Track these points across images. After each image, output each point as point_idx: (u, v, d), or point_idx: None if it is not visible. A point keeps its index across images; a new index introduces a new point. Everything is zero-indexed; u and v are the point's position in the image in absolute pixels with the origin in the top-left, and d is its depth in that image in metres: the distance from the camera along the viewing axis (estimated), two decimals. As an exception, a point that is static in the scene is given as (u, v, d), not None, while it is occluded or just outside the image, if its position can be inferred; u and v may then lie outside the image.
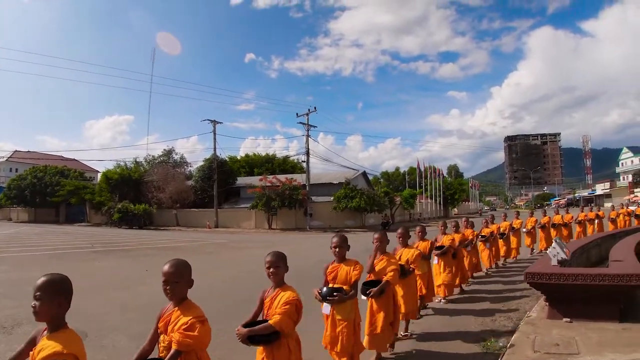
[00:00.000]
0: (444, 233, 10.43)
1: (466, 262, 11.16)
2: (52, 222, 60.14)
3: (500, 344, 6.38)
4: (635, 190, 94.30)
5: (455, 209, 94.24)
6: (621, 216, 23.13)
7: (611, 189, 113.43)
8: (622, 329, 6.05)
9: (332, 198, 46.22)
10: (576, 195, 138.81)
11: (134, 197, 51.84)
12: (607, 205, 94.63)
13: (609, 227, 21.90)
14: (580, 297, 6.59)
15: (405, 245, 7.24)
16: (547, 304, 7.06)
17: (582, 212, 20.86)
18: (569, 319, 6.54)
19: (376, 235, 6.06)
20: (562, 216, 19.31)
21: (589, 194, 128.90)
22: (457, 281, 10.24)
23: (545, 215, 19.22)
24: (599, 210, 22.38)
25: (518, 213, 19.41)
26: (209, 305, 9.81)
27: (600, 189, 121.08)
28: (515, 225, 16.98)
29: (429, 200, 76.98)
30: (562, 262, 7.31)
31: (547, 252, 7.56)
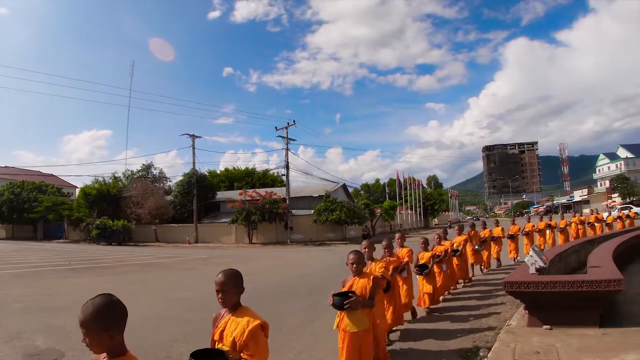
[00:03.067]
0: (426, 250, 10.37)
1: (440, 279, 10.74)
2: (30, 239, 59.11)
3: (481, 354, 6.48)
4: (613, 195, 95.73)
5: (436, 219, 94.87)
6: (573, 225, 22.40)
7: (589, 195, 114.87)
8: (602, 334, 6.14)
9: (312, 211, 46.36)
10: (555, 202, 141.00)
11: (112, 212, 51.16)
12: (586, 211, 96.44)
13: (558, 239, 20.93)
14: (559, 304, 6.67)
15: (371, 258, 6.90)
16: (527, 312, 7.11)
17: (529, 222, 20.07)
18: (549, 326, 6.59)
19: (351, 256, 5.45)
20: (501, 228, 17.85)
21: (567, 200, 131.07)
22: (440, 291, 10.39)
23: (514, 224, 19.20)
24: (550, 220, 21.51)
25: (497, 222, 18.90)
26: (191, 320, 9.86)
27: (579, 195, 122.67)
28: (495, 234, 17.11)
29: (409, 211, 77.55)
30: (540, 270, 7.36)
31: (525, 260, 7.63)
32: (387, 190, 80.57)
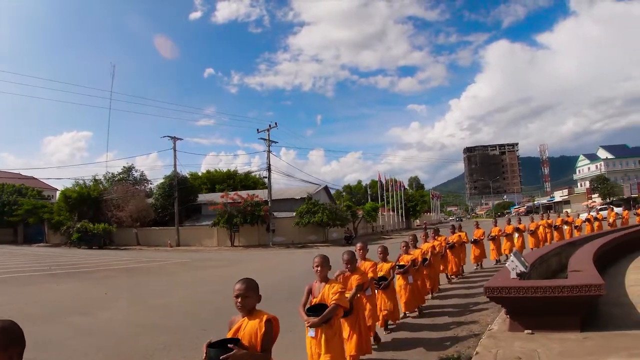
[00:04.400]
0: (407, 252, 10.21)
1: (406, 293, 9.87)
2: (9, 243, 58.21)
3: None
4: (593, 196, 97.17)
5: (417, 221, 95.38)
6: (541, 228, 22.06)
7: (569, 195, 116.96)
8: (583, 339, 6.17)
9: (294, 213, 46.42)
10: (535, 202, 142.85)
11: (93, 216, 50.66)
12: (567, 210, 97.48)
13: (528, 241, 20.76)
14: (540, 309, 6.66)
15: (354, 270, 6.86)
16: (508, 316, 7.10)
17: (496, 226, 19.06)
18: (530, 331, 6.58)
19: (316, 260, 5.53)
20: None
21: (548, 200, 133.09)
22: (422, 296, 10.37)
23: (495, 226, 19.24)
24: (519, 223, 20.73)
25: (477, 224, 19.04)
26: (172, 328, 9.94)
27: (559, 195, 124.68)
28: (475, 237, 17.31)
29: (391, 213, 77.98)
30: (521, 275, 7.34)
31: (506, 265, 7.62)
32: (369, 192, 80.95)
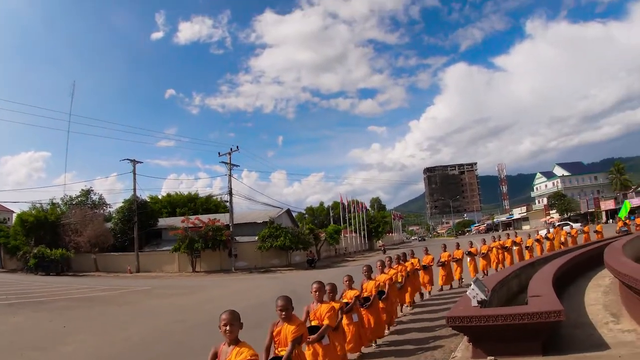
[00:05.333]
0: (369, 278, 9.93)
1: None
2: (-39, 269, 56.43)
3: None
4: (551, 212, 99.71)
5: (380, 241, 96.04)
6: (494, 250, 21.41)
7: (528, 212, 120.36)
8: None
9: (256, 237, 46.23)
10: (495, 220, 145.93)
11: (50, 240, 49.32)
12: (525, 227, 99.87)
13: (480, 265, 20.20)
14: (502, 335, 6.71)
15: (321, 300, 6.85)
16: (471, 343, 7.15)
17: (445, 251, 18.17)
18: (493, 357, 6.61)
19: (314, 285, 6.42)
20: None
21: (507, 218, 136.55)
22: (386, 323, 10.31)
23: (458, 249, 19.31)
24: (471, 246, 20.00)
25: (445, 246, 18.55)
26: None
27: (518, 213, 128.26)
28: (424, 263, 16.54)
29: (354, 234, 78.50)
30: (482, 303, 7.39)
31: (467, 293, 7.62)
32: (331, 214, 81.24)
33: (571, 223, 60.41)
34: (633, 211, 77.05)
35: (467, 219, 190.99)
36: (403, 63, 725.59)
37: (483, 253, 20.69)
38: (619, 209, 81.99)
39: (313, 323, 6.70)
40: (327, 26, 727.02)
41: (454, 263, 18.73)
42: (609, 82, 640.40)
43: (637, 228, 33.69)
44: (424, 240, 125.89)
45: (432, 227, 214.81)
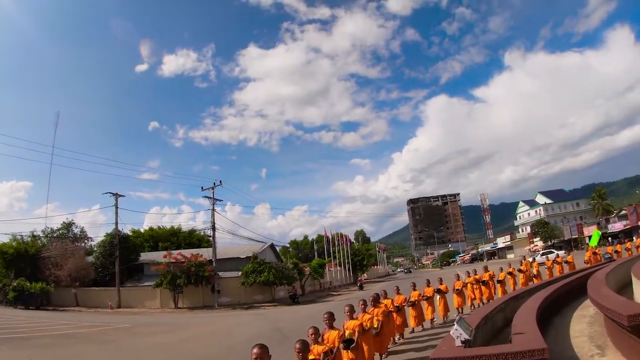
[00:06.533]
0: (351, 317, 9.68)
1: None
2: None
3: None
4: (535, 240, 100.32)
5: (365, 274, 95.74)
6: (469, 286, 20.76)
7: (512, 241, 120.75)
8: None
9: (240, 273, 45.98)
10: (479, 249, 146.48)
11: (30, 273, 48.26)
12: (510, 256, 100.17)
13: (454, 302, 19.40)
14: None
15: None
16: None
17: (415, 290, 17.01)
18: None
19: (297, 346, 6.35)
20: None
21: (491, 247, 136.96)
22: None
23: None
24: (441, 284, 18.34)
25: (414, 284, 17.31)
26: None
27: (502, 242, 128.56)
28: (396, 303, 15.25)
29: (339, 268, 78.20)
30: (465, 342, 7.25)
31: (450, 333, 7.42)
32: (315, 247, 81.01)
33: (555, 250, 60.92)
34: (616, 236, 78.65)
35: (452, 249, 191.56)
36: (385, 96, 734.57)
37: (457, 289, 19.70)
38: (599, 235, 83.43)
39: None
40: (310, 60, 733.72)
41: (425, 302, 17.35)
42: (587, 110, 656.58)
43: (630, 253, 33.94)
44: (410, 272, 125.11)
45: (417, 258, 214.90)
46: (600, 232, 38.74)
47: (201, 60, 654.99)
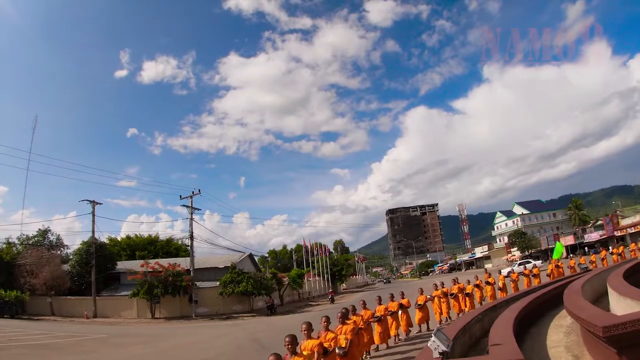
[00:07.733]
0: (327, 329, 9.45)
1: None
2: None
3: None
4: (512, 250, 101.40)
5: (344, 284, 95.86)
6: (436, 299, 20.05)
7: (490, 251, 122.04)
8: None
9: (218, 283, 45.88)
10: (457, 259, 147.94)
11: (5, 281, 47.45)
12: (488, 266, 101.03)
13: (415, 317, 18.46)
14: None
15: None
16: None
17: (381, 304, 16.43)
18: None
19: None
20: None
21: (469, 257, 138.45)
22: None
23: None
24: (402, 297, 17.78)
25: (403, 294, 17.82)
26: None
27: (480, 252, 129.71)
28: (405, 303, 16.33)
29: (317, 278, 78.14)
30: (443, 354, 7.16)
31: (428, 345, 7.30)
32: (294, 257, 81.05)
33: (532, 260, 61.68)
34: (592, 246, 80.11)
35: (430, 259, 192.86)
36: (365, 107, 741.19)
37: (419, 304, 18.77)
38: (572, 245, 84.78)
39: None
40: (291, 70, 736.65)
41: (389, 317, 16.43)
42: (564, 122, 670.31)
43: (604, 262, 34.46)
44: (390, 282, 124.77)
45: (396, 268, 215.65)
46: (562, 245, 39.01)
47: (181, 68, 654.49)
